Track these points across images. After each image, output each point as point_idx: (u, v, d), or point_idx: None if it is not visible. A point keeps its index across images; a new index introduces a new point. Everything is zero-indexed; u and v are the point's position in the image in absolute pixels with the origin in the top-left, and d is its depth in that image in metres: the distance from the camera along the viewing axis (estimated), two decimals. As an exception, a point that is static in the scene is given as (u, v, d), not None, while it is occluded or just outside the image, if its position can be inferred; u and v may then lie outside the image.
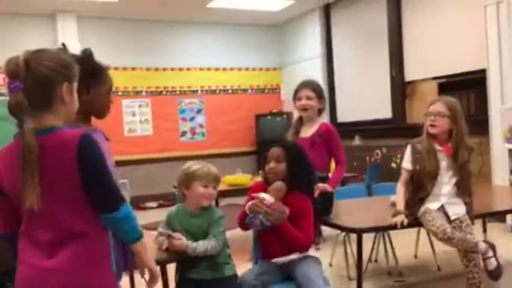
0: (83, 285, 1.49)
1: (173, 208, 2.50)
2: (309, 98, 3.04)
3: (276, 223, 2.42)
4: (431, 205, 2.85)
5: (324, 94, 3.16)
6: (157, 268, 1.73)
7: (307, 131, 3.08)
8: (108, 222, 1.53)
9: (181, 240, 2.28)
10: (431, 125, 2.87)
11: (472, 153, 2.94)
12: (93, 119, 2.07)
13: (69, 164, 1.46)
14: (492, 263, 2.79)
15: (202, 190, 2.36)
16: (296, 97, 3.10)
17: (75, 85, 1.59)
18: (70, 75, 1.56)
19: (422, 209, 2.86)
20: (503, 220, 5.19)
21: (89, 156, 1.49)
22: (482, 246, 2.81)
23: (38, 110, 1.51)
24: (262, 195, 2.46)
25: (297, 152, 2.56)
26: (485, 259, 2.80)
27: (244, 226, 2.56)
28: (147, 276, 1.71)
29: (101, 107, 2.03)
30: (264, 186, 2.55)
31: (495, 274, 2.79)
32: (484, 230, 4.29)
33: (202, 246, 2.29)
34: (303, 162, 2.53)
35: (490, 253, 2.82)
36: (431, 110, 2.88)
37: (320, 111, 3.11)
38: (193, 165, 2.42)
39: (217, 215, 2.41)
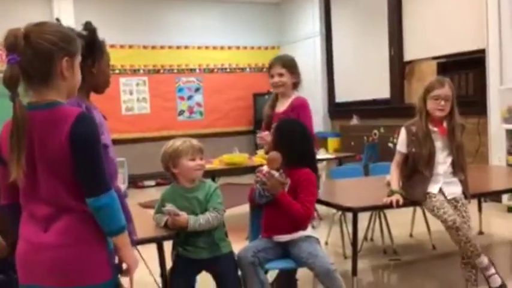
0: (75, 261, 1.48)
1: (167, 188, 2.51)
2: (280, 75, 3.09)
3: (273, 192, 2.45)
4: (432, 188, 2.85)
5: (296, 68, 3.16)
6: (136, 264, 1.65)
7: (282, 106, 3.13)
8: (89, 207, 1.49)
9: (183, 215, 2.29)
10: (441, 109, 2.84)
11: (464, 131, 2.93)
12: (92, 97, 2.06)
13: (63, 141, 1.45)
14: (497, 281, 2.73)
15: (191, 164, 2.38)
16: (269, 74, 3.15)
17: (77, 60, 1.57)
18: (71, 50, 1.53)
19: (420, 191, 2.85)
20: (499, 200, 5.22)
21: (82, 136, 1.46)
22: (485, 261, 2.75)
23: (36, 85, 1.50)
24: (263, 167, 2.51)
25: (286, 130, 2.59)
26: (488, 276, 2.74)
27: (254, 203, 2.61)
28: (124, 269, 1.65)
29: (104, 80, 2.02)
30: None
31: None
32: (480, 209, 4.33)
33: (203, 218, 2.32)
34: (294, 139, 2.55)
35: (493, 270, 2.75)
36: (441, 94, 2.82)
37: (295, 85, 3.15)
38: (175, 143, 2.43)
39: (213, 186, 2.44)
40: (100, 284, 1.51)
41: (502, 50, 5.29)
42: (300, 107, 3.07)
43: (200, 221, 2.31)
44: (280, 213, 2.47)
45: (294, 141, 2.55)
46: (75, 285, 1.48)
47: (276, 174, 2.46)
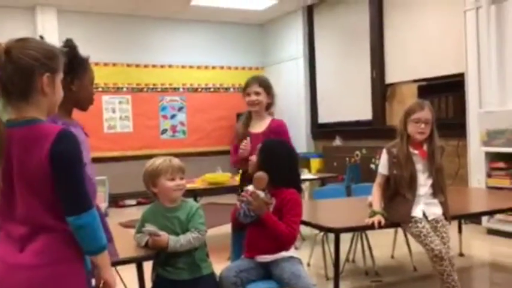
0: (52, 282, 1.44)
1: (148, 207, 2.48)
2: (257, 94, 3.17)
3: (258, 213, 2.44)
4: (415, 211, 2.86)
5: (272, 89, 3.26)
6: (115, 284, 1.62)
7: (259, 126, 3.22)
8: (70, 226, 1.46)
9: (163, 235, 2.26)
10: (422, 132, 2.88)
11: (443, 153, 2.97)
12: (73, 114, 2.05)
13: (43, 158, 1.42)
14: None
15: (170, 184, 2.34)
16: (245, 92, 3.22)
17: (58, 77, 1.55)
18: (53, 66, 1.51)
19: (404, 212, 2.86)
20: (479, 222, 5.28)
21: (63, 155, 1.44)
22: None
23: (15, 100, 1.48)
24: (249, 187, 2.50)
25: (270, 155, 2.57)
26: None
27: (237, 223, 2.59)
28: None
29: (85, 98, 2.01)
30: None
31: None
32: (460, 231, 4.37)
33: (184, 238, 2.28)
34: (280, 159, 2.55)
35: None
36: (421, 117, 2.87)
37: (269, 106, 3.24)
38: (155, 162, 2.40)
39: (195, 206, 2.41)
40: None
41: (481, 73, 5.41)
42: (280, 129, 3.15)
43: (181, 241, 2.28)
44: (263, 234, 2.45)
45: (280, 161, 2.55)
46: None
47: (262, 194, 2.46)
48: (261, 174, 2.47)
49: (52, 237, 1.46)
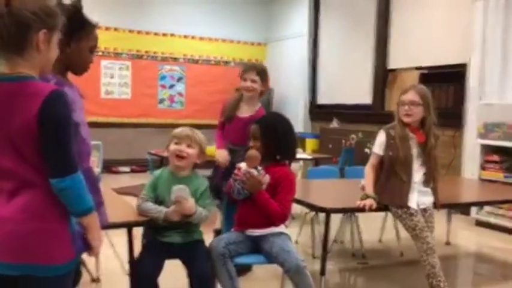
0: (34, 238, 1.44)
1: (158, 171, 2.49)
2: (253, 81, 3.27)
3: (251, 191, 2.45)
4: (411, 201, 2.87)
5: (267, 78, 3.39)
6: (101, 246, 1.63)
7: (245, 111, 3.32)
8: (53, 188, 1.45)
9: (192, 203, 2.28)
10: (407, 114, 2.88)
11: (438, 141, 2.97)
12: (70, 76, 2.02)
13: (31, 118, 1.40)
14: None
15: (173, 147, 2.38)
16: (242, 77, 3.33)
17: (55, 35, 1.53)
18: (51, 24, 1.49)
19: (399, 196, 2.86)
20: (468, 213, 5.33)
21: (52, 116, 1.42)
22: None
23: (9, 53, 1.45)
24: (242, 164, 2.49)
25: (272, 127, 2.55)
26: None
27: (231, 198, 2.59)
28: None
29: (80, 63, 1.97)
30: None
31: None
32: (448, 220, 4.41)
33: (203, 213, 2.33)
34: (278, 136, 2.52)
35: None
36: (404, 99, 2.89)
37: (262, 93, 3.35)
38: (178, 129, 2.46)
39: (205, 184, 2.45)
40: (62, 265, 1.48)
41: (484, 66, 5.39)
42: None
43: (201, 216, 2.33)
44: (255, 209, 2.47)
45: (281, 135, 2.53)
46: (33, 262, 1.44)
47: (255, 172, 2.45)
48: (253, 152, 2.47)
49: (36, 193, 1.46)
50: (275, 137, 2.50)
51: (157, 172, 2.48)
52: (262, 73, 3.33)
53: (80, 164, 1.84)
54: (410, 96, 2.88)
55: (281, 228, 2.52)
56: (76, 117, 1.90)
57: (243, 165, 2.48)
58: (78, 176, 1.47)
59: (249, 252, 2.51)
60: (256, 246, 2.50)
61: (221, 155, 3.36)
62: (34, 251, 1.44)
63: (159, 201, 2.38)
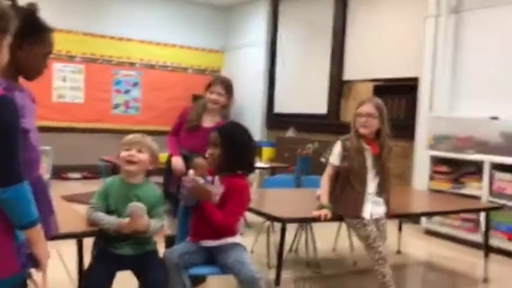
0: None
1: (109, 179, 2.41)
2: (219, 94, 3.40)
3: (197, 199, 2.43)
4: (364, 211, 2.91)
5: (233, 93, 3.53)
6: (48, 259, 1.57)
7: (209, 121, 3.42)
8: None
9: (146, 221, 2.22)
10: (364, 126, 2.94)
11: (391, 152, 3.04)
12: (22, 80, 1.93)
13: None
14: None
15: (123, 153, 2.34)
16: (208, 90, 3.43)
17: (6, 38, 1.46)
18: (2, 26, 1.42)
19: (354, 208, 2.90)
20: (418, 222, 5.48)
21: None
22: None
23: None
24: (191, 171, 2.46)
25: (232, 135, 2.51)
26: None
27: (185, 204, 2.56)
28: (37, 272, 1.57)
29: (32, 68, 1.88)
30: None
31: None
32: (399, 229, 4.52)
33: (155, 226, 2.29)
34: (238, 145, 2.48)
35: None
36: (362, 111, 2.95)
37: (225, 107, 3.49)
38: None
39: (158, 193, 2.40)
40: (5, 279, 1.40)
41: (434, 79, 5.59)
42: None
43: (156, 226, 2.29)
44: (205, 221, 2.43)
45: (240, 145, 2.49)
46: None
47: (201, 180, 2.43)
48: (199, 160, 2.47)
49: None
50: (234, 146, 2.46)
51: (109, 180, 2.41)
52: (228, 88, 3.46)
53: (29, 171, 1.75)
54: (368, 108, 2.94)
55: (236, 239, 2.50)
56: (26, 124, 1.82)
57: (191, 172, 2.44)
58: (23, 187, 1.40)
59: (203, 262, 2.47)
60: (210, 257, 2.47)
61: (178, 163, 3.34)
62: None
63: (111, 210, 2.30)
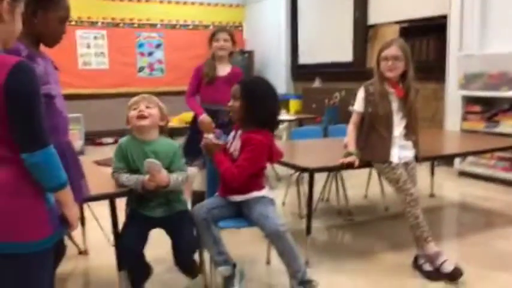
0: (10, 214, 1.41)
1: (123, 140, 2.43)
2: (226, 40, 3.57)
3: (209, 155, 2.49)
4: (392, 155, 2.87)
5: (236, 39, 3.71)
6: (76, 223, 1.62)
7: (222, 70, 3.58)
8: (24, 163, 1.42)
9: (164, 175, 2.24)
10: (390, 69, 2.86)
11: (418, 94, 2.96)
12: (47, 49, 1.95)
13: None
14: (449, 266, 2.66)
15: (132, 113, 2.35)
16: (214, 39, 3.59)
17: (19, 6, 1.46)
18: None
19: (381, 152, 2.87)
20: (451, 164, 5.40)
21: (18, 89, 1.36)
22: (434, 248, 2.73)
23: None
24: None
25: (253, 88, 2.47)
26: (439, 264, 2.68)
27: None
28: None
29: (49, 34, 1.89)
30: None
31: (455, 274, 2.64)
32: (432, 173, 4.47)
33: (178, 179, 2.30)
34: (258, 98, 2.43)
35: (443, 257, 2.71)
36: (388, 55, 2.86)
37: (231, 54, 3.66)
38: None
39: (176, 145, 2.42)
40: (39, 241, 1.46)
41: (463, 16, 5.35)
42: (240, 77, 3.38)
43: (179, 179, 2.31)
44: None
45: (262, 99, 2.44)
46: (10, 240, 1.41)
47: (211, 136, 2.48)
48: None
49: (10, 170, 1.42)
50: (255, 99, 2.42)
51: (122, 141, 2.40)
52: (232, 34, 3.64)
53: (57, 137, 1.80)
54: (394, 51, 2.85)
55: (264, 192, 2.51)
56: (51, 90, 1.85)
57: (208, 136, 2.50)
58: (50, 150, 1.43)
59: (231, 216, 2.51)
60: (239, 211, 2.51)
61: (205, 119, 3.44)
62: (10, 228, 1.41)
63: (134, 170, 2.33)
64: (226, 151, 2.49)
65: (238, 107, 2.44)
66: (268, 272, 2.85)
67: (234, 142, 2.48)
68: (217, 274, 2.50)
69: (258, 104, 2.42)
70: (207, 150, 2.48)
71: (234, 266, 2.50)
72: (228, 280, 2.48)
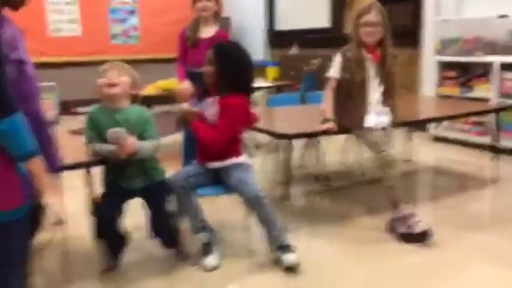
0: None
1: (93, 108, 2.38)
2: (208, 0, 3.43)
3: (187, 124, 2.46)
4: (368, 121, 2.88)
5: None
6: (50, 192, 1.57)
7: (206, 32, 3.48)
8: None
9: (133, 140, 2.20)
10: (370, 35, 2.84)
11: (395, 59, 2.96)
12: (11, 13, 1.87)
13: None
14: (421, 226, 2.71)
15: (101, 80, 2.30)
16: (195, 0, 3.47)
17: None
18: None
19: (357, 118, 2.88)
20: (426, 129, 5.48)
21: None
22: (406, 212, 2.77)
23: None
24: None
25: (226, 52, 2.45)
26: (411, 224, 2.73)
27: None
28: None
29: None
30: None
31: (425, 234, 2.71)
32: (407, 138, 4.53)
33: (148, 145, 2.26)
34: (232, 62, 2.42)
35: (417, 218, 2.74)
36: (367, 20, 2.85)
37: (216, 14, 3.52)
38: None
39: (147, 113, 2.37)
40: (11, 211, 1.43)
41: (440, -19, 5.33)
42: (226, 39, 3.40)
43: (147, 146, 2.26)
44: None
45: (235, 64, 2.42)
46: None
47: (186, 105, 2.49)
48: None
49: None
50: (229, 64, 2.40)
51: (93, 111, 2.35)
52: None
53: (26, 104, 1.74)
54: (373, 16, 2.84)
55: (241, 159, 2.51)
56: (20, 55, 1.78)
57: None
58: (17, 117, 1.39)
59: (209, 183, 2.51)
60: (217, 178, 2.51)
61: (183, 85, 3.41)
62: None
63: (106, 140, 2.27)
64: (203, 118, 2.47)
65: (212, 71, 2.41)
66: (247, 237, 2.88)
67: (211, 108, 2.46)
68: (196, 242, 2.52)
69: (231, 68, 2.40)
70: (184, 120, 2.45)
71: (213, 232, 2.52)
72: (207, 247, 2.51)
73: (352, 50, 2.91)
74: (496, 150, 3.97)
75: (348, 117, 2.92)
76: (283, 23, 8.15)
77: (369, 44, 2.87)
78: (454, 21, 5.17)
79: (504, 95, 4.65)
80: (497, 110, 3.97)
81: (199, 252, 2.53)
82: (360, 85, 2.88)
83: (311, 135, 3.55)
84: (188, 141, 2.69)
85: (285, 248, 2.40)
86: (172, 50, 3.72)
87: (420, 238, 2.70)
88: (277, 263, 2.44)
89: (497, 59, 4.70)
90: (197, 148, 2.54)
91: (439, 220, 3.07)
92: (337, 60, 2.97)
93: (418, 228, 2.71)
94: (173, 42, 3.73)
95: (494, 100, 4.68)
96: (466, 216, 3.19)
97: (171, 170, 2.55)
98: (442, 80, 5.24)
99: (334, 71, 2.98)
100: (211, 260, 2.47)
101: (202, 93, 2.63)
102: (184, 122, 2.45)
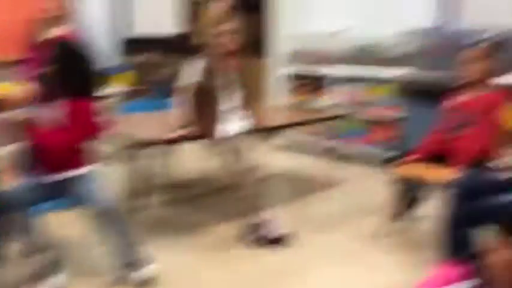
0: None
1: None
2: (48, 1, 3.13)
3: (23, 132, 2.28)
4: (223, 129, 2.92)
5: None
6: None
7: (52, 33, 3.03)
8: None
9: None
10: (230, 43, 2.89)
11: (249, 68, 3.06)
12: None
13: None
14: (276, 231, 2.85)
15: None
16: None
17: None
18: None
19: (211, 126, 2.89)
20: (274, 137, 5.75)
21: None
22: (261, 218, 2.88)
23: None
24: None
25: (67, 50, 2.33)
26: (268, 230, 2.85)
27: None
28: None
29: None
30: None
31: (281, 239, 2.86)
32: (255, 145, 4.69)
33: None
34: (74, 60, 2.30)
35: (274, 222, 2.87)
36: (227, 28, 2.89)
37: (63, 15, 3.08)
38: None
39: None
40: None
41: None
42: (71, 40, 3.02)
43: None
44: (50, 154, 2.24)
45: (73, 64, 2.29)
46: None
47: (20, 111, 2.31)
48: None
49: None
50: (70, 63, 2.28)
51: None
52: None
53: None
54: (233, 25, 2.89)
55: (88, 169, 2.34)
56: None
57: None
58: None
59: (52, 197, 2.30)
60: (61, 191, 2.30)
61: (17, 89, 3.04)
62: None
63: None
64: (42, 124, 2.25)
65: (53, 72, 2.23)
66: (96, 254, 2.70)
67: (52, 112, 2.24)
68: (33, 262, 2.28)
69: (72, 68, 2.24)
70: (21, 128, 2.22)
71: (56, 250, 2.31)
72: (52, 266, 2.29)
73: (208, 58, 2.93)
74: (335, 155, 4.31)
75: (201, 124, 2.93)
76: (138, 29, 7.95)
77: (226, 51, 2.92)
78: (299, 35, 5.53)
79: (338, 104, 5.10)
80: (332, 118, 4.28)
81: (41, 274, 2.29)
82: (214, 93, 2.90)
83: (166, 143, 3.48)
84: (25, 152, 2.43)
85: (135, 264, 2.30)
86: (9, 52, 3.35)
87: (278, 241, 2.82)
88: (127, 281, 2.32)
89: (336, 71, 5.14)
90: (37, 159, 2.31)
91: (295, 223, 3.21)
92: (192, 67, 2.96)
93: (276, 233, 2.83)
94: (10, 45, 3.39)
95: (334, 109, 5.09)
96: (317, 217, 3.40)
97: (5, 184, 2.29)
98: (289, 91, 5.58)
99: (189, 78, 2.96)
100: (57, 280, 2.26)
101: (44, 96, 2.40)
102: (22, 130, 2.20)
